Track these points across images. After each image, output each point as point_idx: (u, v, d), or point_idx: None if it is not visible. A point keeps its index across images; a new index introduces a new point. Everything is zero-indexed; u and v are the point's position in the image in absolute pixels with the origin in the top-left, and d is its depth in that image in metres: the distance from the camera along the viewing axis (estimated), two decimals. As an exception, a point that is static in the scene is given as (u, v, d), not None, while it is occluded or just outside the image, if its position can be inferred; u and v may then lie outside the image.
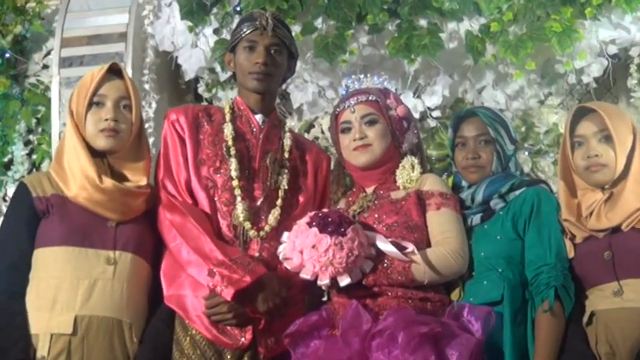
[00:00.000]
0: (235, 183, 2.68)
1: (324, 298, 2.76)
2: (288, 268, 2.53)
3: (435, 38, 3.64)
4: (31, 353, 2.55)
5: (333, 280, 2.49)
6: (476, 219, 2.78)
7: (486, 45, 3.66)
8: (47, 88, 4.14)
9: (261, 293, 2.56)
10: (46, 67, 4.28)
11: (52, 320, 2.59)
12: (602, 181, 2.64)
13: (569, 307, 2.56)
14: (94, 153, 2.73)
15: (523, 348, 2.60)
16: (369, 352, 2.44)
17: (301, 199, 2.79)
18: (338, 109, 2.86)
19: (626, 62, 3.80)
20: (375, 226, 2.65)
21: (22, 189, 2.76)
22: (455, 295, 2.72)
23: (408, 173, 2.76)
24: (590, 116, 2.65)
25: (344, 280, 2.48)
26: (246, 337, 2.60)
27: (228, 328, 2.60)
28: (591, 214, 2.62)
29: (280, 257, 2.55)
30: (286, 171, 2.77)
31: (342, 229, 2.47)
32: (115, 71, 2.81)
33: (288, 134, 2.85)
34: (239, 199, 2.67)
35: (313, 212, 2.56)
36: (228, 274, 2.54)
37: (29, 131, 4.20)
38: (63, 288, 2.61)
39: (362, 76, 2.95)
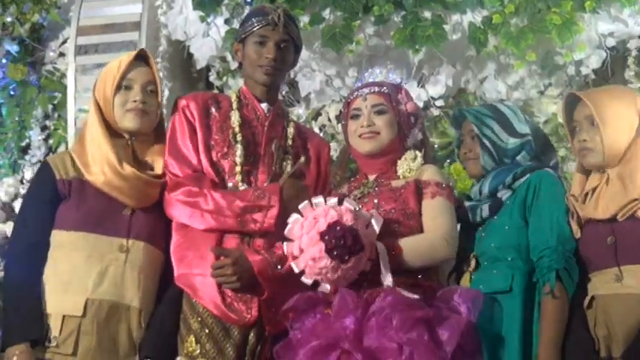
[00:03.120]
0: (238, 169, 2.70)
1: None
2: (292, 264, 2.56)
3: (438, 30, 3.65)
4: (44, 333, 2.56)
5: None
6: (485, 210, 2.79)
7: (488, 36, 3.67)
8: (63, 75, 4.17)
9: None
10: (62, 54, 4.30)
11: (65, 302, 2.61)
12: (592, 164, 2.65)
13: (572, 290, 2.56)
14: (119, 136, 2.75)
15: (531, 334, 2.60)
16: (366, 330, 2.45)
17: (305, 182, 2.79)
18: (351, 97, 2.88)
19: (624, 54, 3.81)
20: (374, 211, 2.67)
21: (46, 169, 2.76)
22: (465, 281, 2.75)
23: (408, 164, 2.78)
24: (582, 102, 2.66)
25: (325, 288, 2.53)
26: (252, 314, 2.61)
27: (235, 304, 2.61)
28: (586, 197, 2.63)
29: (286, 231, 2.57)
30: (290, 157, 2.79)
31: (346, 257, 2.49)
32: (142, 58, 2.83)
33: (291, 123, 2.87)
34: (241, 183, 2.70)
35: (334, 219, 2.50)
36: (259, 211, 2.62)
37: (46, 117, 4.24)
38: (76, 272, 2.63)
39: (378, 70, 2.95)
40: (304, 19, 3.55)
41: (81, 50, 4.00)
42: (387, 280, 2.53)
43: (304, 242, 2.49)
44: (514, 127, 2.87)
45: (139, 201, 2.73)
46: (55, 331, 2.58)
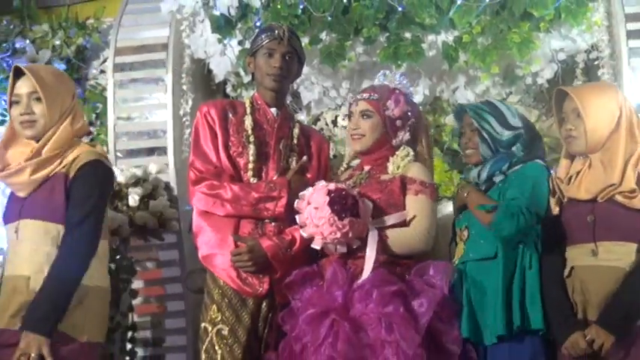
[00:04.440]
0: (251, 165, 2.70)
1: None
2: (302, 232, 2.58)
3: (417, 48, 3.62)
4: None
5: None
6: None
7: (459, 53, 3.64)
8: (104, 89, 4.14)
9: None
10: (102, 72, 4.27)
11: None
12: (576, 151, 2.64)
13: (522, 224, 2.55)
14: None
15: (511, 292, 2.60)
16: (351, 303, 2.47)
17: (309, 175, 2.79)
18: (351, 101, 2.90)
19: (573, 67, 3.79)
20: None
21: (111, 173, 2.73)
22: (459, 250, 2.75)
23: (399, 161, 2.75)
24: (570, 97, 2.64)
25: (317, 243, 2.56)
26: (263, 287, 2.62)
27: (249, 279, 2.62)
28: (570, 180, 2.62)
29: (295, 205, 2.59)
30: (295, 154, 2.79)
31: (343, 215, 2.48)
32: (20, 72, 2.62)
33: (296, 124, 2.86)
34: (252, 179, 2.68)
35: (341, 185, 2.60)
36: (271, 201, 2.64)
37: (90, 124, 4.19)
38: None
39: (387, 72, 2.95)
40: (305, 40, 3.52)
41: (118, 68, 3.98)
42: (369, 264, 2.51)
43: (312, 197, 2.51)
44: (508, 121, 2.85)
45: (25, 189, 2.60)
46: None
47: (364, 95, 2.82)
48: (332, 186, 2.55)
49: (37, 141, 2.61)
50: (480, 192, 2.75)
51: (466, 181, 2.91)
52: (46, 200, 2.55)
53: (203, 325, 2.65)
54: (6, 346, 2.44)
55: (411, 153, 2.79)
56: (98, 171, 2.63)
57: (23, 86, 2.60)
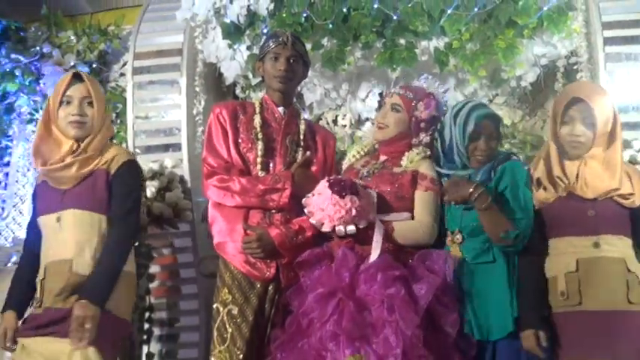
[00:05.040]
0: (259, 160, 2.71)
1: None
2: (311, 220, 2.57)
3: (411, 53, 3.62)
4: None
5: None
6: None
7: (449, 58, 3.64)
8: (124, 90, 4.14)
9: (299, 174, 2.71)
10: (122, 74, 4.28)
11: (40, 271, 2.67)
12: (579, 155, 2.61)
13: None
14: (59, 139, 2.72)
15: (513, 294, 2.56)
16: (357, 284, 2.47)
17: (314, 168, 2.80)
18: (387, 91, 2.86)
19: (554, 71, 3.78)
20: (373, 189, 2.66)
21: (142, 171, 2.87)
22: (455, 253, 2.62)
23: (412, 156, 2.73)
24: (583, 103, 2.59)
25: (325, 229, 2.55)
26: (270, 272, 2.63)
27: (258, 264, 2.63)
28: (577, 178, 2.58)
29: (303, 202, 2.60)
30: (301, 149, 2.79)
31: (344, 194, 2.48)
32: (78, 77, 2.75)
33: (302, 121, 2.86)
34: (261, 173, 2.69)
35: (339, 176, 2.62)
36: (276, 192, 2.65)
37: (111, 122, 4.20)
38: (43, 247, 2.68)
39: (430, 77, 2.96)
40: (307, 46, 3.50)
41: (137, 71, 3.98)
42: (376, 250, 2.51)
43: (316, 190, 2.53)
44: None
45: (66, 182, 2.67)
46: (37, 294, 2.62)
47: (400, 91, 2.79)
48: (331, 179, 2.56)
49: (76, 140, 2.69)
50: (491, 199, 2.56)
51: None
52: (89, 193, 2.65)
53: (215, 305, 2.66)
54: (52, 323, 2.54)
55: (428, 152, 2.77)
56: (136, 170, 2.80)
57: (78, 90, 2.69)
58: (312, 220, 2.55)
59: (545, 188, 2.63)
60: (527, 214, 2.56)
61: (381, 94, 2.85)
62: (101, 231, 2.64)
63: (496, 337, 2.51)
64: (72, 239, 2.60)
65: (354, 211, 2.49)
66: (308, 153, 2.77)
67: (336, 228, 2.53)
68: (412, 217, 2.66)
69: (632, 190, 2.54)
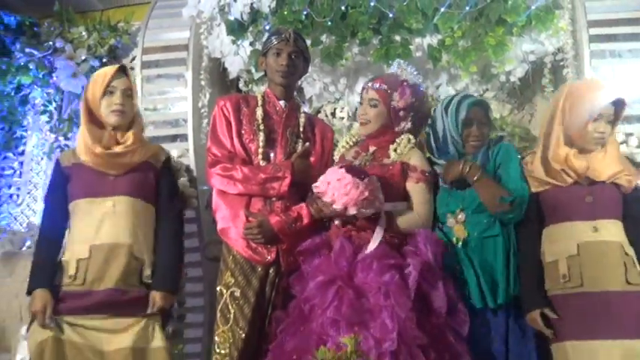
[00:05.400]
0: (261, 150, 2.71)
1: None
2: (322, 200, 2.54)
3: (406, 49, 3.62)
4: (57, 277, 2.62)
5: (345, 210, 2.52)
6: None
7: (442, 54, 3.64)
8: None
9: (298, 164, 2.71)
10: (132, 68, 4.23)
11: (76, 250, 2.65)
12: (594, 148, 2.64)
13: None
14: (101, 126, 2.75)
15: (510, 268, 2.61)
16: (354, 272, 2.48)
17: (312, 159, 2.80)
18: (364, 86, 2.82)
19: (541, 67, 3.78)
20: None
21: (56, 163, 2.80)
22: (459, 232, 2.66)
23: (401, 148, 2.71)
24: (610, 105, 2.63)
25: (351, 212, 2.50)
26: (271, 256, 2.64)
27: (259, 249, 2.64)
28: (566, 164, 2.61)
29: (315, 190, 2.57)
30: (301, 140, 2.79)
31: (362, 177, 2.48)
32: (122, 70, 2.82)
33: (302, 114, 2.86)
34: (262, 162, 2.69)
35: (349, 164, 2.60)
36: (276, 181, 2.65)
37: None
38: (81, 228, 2.66)
39: (402, 61, 2.88)
40: (307, 42, 3.49)
41: (145, 65, 3.98)
42: (376, 240, 2.52)
43: (329, 177, 2.51)
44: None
45: (117, 169, 2.72)
46: (71, 272, 2.59)
47: (374, 85, 2.75)
48: (341, 164, 2.56)
49: (113, 128, 2.74)
50: (483, 170, 2.65)
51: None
52: (141, 183, 2.73)
53: (218, 288, 2.67)
54: (123, 302, 2.60)
55: (412, 140, 2.75)
56: (172, 167, 2.97)
57: (121, 82, 2.75)
58: (336, 207, 2.51)
59: (557, 177, 2.63)
60: (522, 185, 2.62)
61: (362, 89, 2.82)
62: (151, 220, 2.74)
63: (502, 301, 2.56)
64: (127, 225, 2.65)
65: (374, 192, 2.50)
66: (307, 144, 2.77)
67: (360, 210, 2.51)
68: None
69: (632, 169, 2.59)
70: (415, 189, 2.66)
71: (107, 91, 2.73)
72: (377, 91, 2.74)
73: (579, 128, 2.63)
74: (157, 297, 2.65)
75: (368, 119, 2.74)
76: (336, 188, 2.48)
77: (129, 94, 2.76)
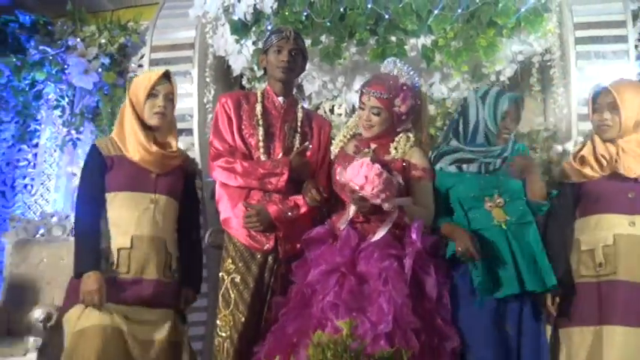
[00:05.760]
0: (261, 144, 2.71)
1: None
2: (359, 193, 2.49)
3: (401, 49, 3.62)
4: (102, 263, 2.58)
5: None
6: (498, 163, 2.72)
7: (435, 54, 3.64)
8: (142, 80, 4.15)
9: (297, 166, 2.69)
10: (140, 66, 4.28)
11: (118, 240, 2.63)
12: (608, 137, 2.67)
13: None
14: (145, 127, 2.75)
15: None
16: (357, 260, 2.49)
17: (308, 154, 2.77)
18: (364, 89, 2.76)
19: (530, 67, 3.79)
20: None
21: (94, 149, 2.75)
22: (498, 215, 2.64)
23: (402, 146, 2.70)
24: (607, 91, 2.68)
25: (386, 206, 2.49)
26: (269, 243, 2.64)
27: (258, 237, 2.64)
28: (616, 161, 2.63)
29: (340, 176, 2.55)
30: (298, 135, 2.78)
31: (387, 169, 2.49)
32: (166, 76, 2.82)
33: (300, 109, 2.84)
34: (262, 156, 2.70)
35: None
36: (274, 177, 2.64)
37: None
38: (123, 218, 2.65)
39: (397, 61, 2.84)
40: (307, 42, 3.51)
41: (153, 62, 3.99)
42: (382, 231, 2.51)
43: (367, 171, 2.47)
44: None
45: (160, 169, 2.73)
46: (113, 260, 2.60)
47: (376, 93, 2.70)
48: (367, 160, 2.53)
49: (152, 130, 2.75)
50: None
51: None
52: (175, 184, 2.77)
53: (220, 274, 2.68)
54: (164, 294, 2.66)
55: (412, 139, 2.74)
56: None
57: (165, 87, 2.76)
58: (377, 200, 2.47)
59: (591, 167, 2.68)
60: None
61: (361, 91, 2.78)
62: (176, 218, 2.78)
63: (546, 288, 2.55)
64: (164, 221, 2.69)
65: (395, 189, 2.50)
66: (307, 143, 2.75)
67: (390, 204, 2.49)
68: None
69: None
70: (419, 185, 2.66)
71: (151, 94, 2.74)
72: (379, 100, 2.70)
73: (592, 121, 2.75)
74: (190, 294, 2.78)
75: (372, 124, 2.72)
76: (375, 183, 2.45)
77: (170, 97, 2.78)
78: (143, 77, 2.84)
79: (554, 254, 2.61)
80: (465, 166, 2.72)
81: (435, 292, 2.47)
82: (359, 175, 2.46)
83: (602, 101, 2.68)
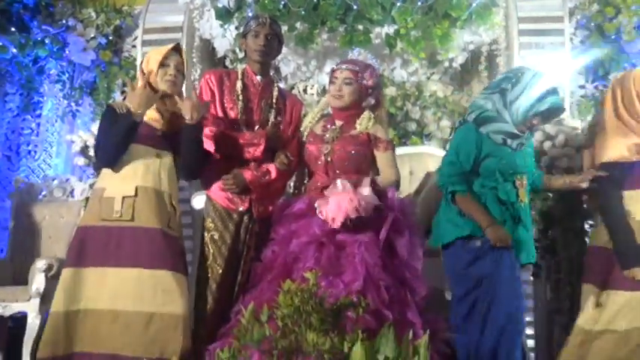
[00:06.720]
0: (240, 117, 2.67)
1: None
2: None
3: (367, 37, 3.61)
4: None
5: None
6: (518, 145, 2.55)
7: (397, 42, 3.63)
8: (135, 59, 4.09)
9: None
10: (134, 46, 4.21)
11: (124, 188, 2.55)
12: None
13: None
14: (156, 91, 2.66)
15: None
16: (338, 230, 2.39)
17: (281, 127, 2.74)
18: (335, 67, 2.70)
19: (479, 55, 3.81)
20: (341, 151, 2.59)
21: (110, 108, 2.65)
22: (522, 195, 2.52)
23: (366, 122, 2.63)
24: None
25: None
26: (244, 205, 2.62)
27: (234, 198, 2.62)
28: None
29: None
30: (273, 110, 2.74)
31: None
32: (176, 49, 2.73)
33: (276, 87, 2.79)
34: (242, 126, 2.67)
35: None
36: (252, 146, 2.61)
37: (124, 84, 4.14)
38: (130, 168, 2.58)
39: (361, 50, 2.82)
40: (284, 28, 3.48)
41: (146, 43, 3.92)
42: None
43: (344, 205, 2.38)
44: None
45: (165, 127, 2.66)
46: (117, 207, 2.53)
47: (349, 66, 2.65)
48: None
49: (161, 97, 2.65)
50: None
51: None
52: (177, 141, 2.62)
53: (201, 232, 2.67)
54: (170, 245, 2.53)
55: (372, 116, 2.66)
56: None
57: (175, 58, 2.68)
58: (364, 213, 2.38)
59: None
60: None
61: (332, 70, 2.74)
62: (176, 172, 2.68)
63: (527, 260, 2.54)
64: (167, 176, 2.60)
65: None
66: (279, 118, 2.71)
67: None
68: (373, 176, 2.58)
69: None
70: (385, 156, 2.61)
71: (163, 64, 2.66)
72: (351, 72, 2.64)
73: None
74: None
75: (342, 94, 2.64)
76: (356, 208, 2.35)
77: (180, 68, 2.69)
78: (156, 51, 2.74)
79: (624, 226, 2.49)
80: (509, 141, 2.55)
81: (405, 251, 2.42)
82: (341, 211, 2.36)
83: None
